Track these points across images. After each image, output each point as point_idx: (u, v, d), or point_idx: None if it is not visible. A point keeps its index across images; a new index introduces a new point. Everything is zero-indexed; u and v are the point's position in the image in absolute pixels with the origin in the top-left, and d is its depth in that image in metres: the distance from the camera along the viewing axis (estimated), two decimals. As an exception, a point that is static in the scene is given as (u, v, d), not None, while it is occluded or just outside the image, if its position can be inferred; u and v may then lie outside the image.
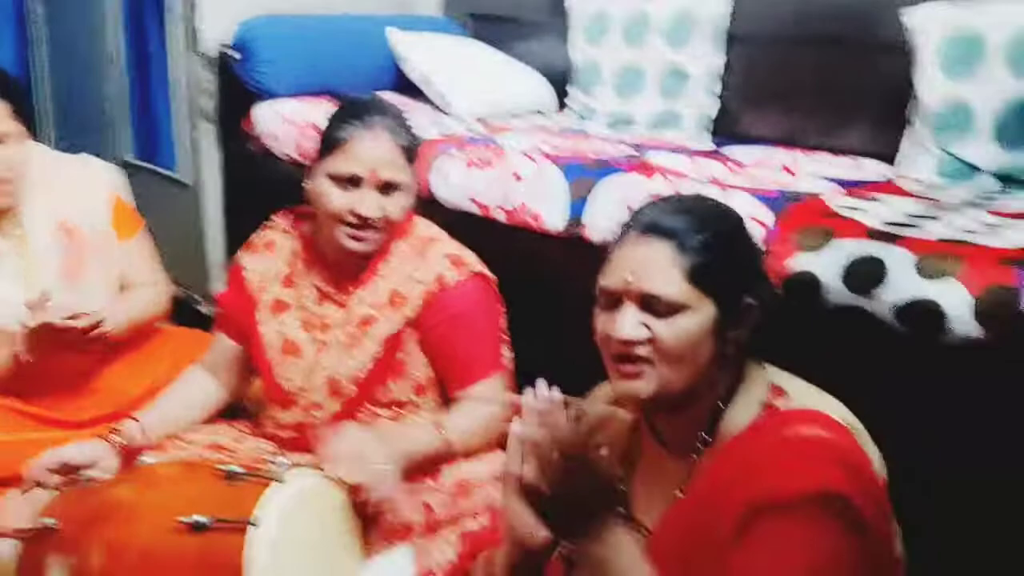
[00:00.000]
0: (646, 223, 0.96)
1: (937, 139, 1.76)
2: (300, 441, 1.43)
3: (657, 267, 0.93)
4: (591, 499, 0.86)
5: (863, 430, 0.94)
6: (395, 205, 1.38)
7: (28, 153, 1.56)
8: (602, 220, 1.63)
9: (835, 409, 0.94)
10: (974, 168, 1.71)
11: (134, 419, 1.41)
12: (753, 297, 0.95)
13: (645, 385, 0.94)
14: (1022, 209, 1.50)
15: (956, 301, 1.21)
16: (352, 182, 1.36)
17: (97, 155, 1.77)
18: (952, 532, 1.19)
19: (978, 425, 1.20)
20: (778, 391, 0.96)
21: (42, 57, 3.25)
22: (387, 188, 1.37)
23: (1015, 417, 1.17)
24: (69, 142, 2.93)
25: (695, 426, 0.98)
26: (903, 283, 1.26)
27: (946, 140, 1.74)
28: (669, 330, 0.92)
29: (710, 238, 0.94)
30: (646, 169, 1.72)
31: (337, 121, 1.39)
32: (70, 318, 1.44)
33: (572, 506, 0.86)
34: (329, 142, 1.38)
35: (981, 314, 1.19)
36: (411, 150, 1.40)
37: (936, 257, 1.26)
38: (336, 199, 1.36)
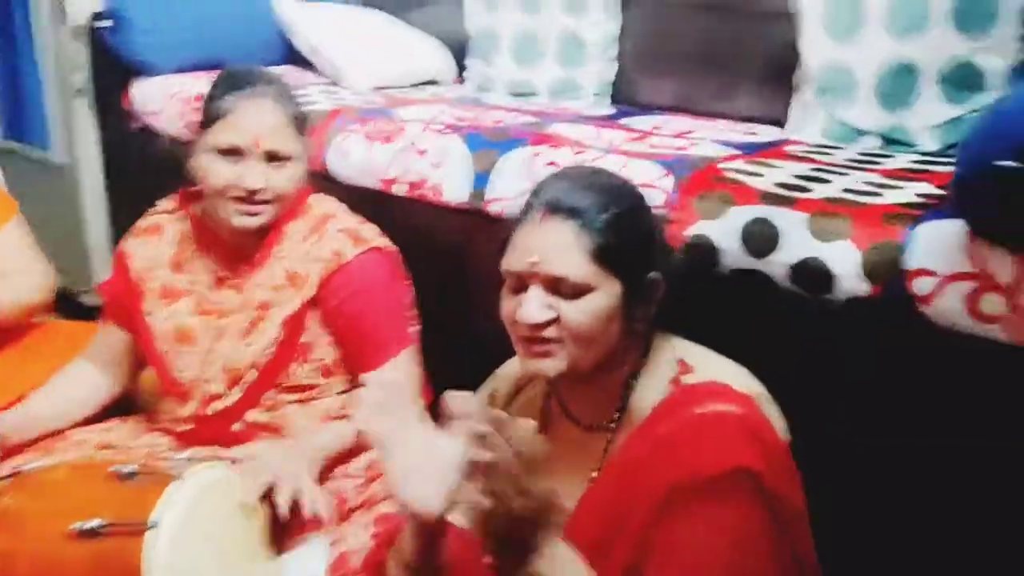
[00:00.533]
0: (548, 202, 0.95)
1: (822, 102, 1.82)
2: (199, 434, 1.37)
3: (562, 249, 0.92)
4: (531, 516, 0.81)
5: (767, 394, 0.97)
6: (283, 177, 1.33)
7: None
8: (507, 193, 1.62)
9: (739, 377, 0.96)
10: (858, 130, 1.78)
11: None
12: (658, 271, 0.96)
13: (554, 364, 0.94)
14: (903, 168, 1.57)
15: (844, 259, 1.26)
16: (236, 154, 1.30)
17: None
18: (852, 487, 1.24)
19: (870, 379, 1.26)
20: (685, 366, 0.98)
21: None
22: (274, 159, 1.32)
23: (902, 370, 1.23)
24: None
25: (605, 402, 0.99)
26: (795, 244, 1.30)
27: (831, 103, 1.80)
28: (576, 311, 0.92)
29: (614, 217, 0.94)
30: (550, 140, 1.72)
31: (217, 91, 1.32)
32: None
33: (513, 524, 0.80)
34: (210, 114, 1.32)
35: (868, 271, 1.24)
36: (299, 119, 1.35)
37: (825, 217, 1.30)
38: (220, 173, 1.30)
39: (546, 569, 0.82)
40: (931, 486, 1.21)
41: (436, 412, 0.78)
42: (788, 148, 1.74)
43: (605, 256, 0.92)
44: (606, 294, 0.93)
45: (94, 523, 1.00)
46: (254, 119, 1.30)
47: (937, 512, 1.21)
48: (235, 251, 1.38)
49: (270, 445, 1.25)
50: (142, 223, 1.46)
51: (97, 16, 2.29)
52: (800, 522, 0.94)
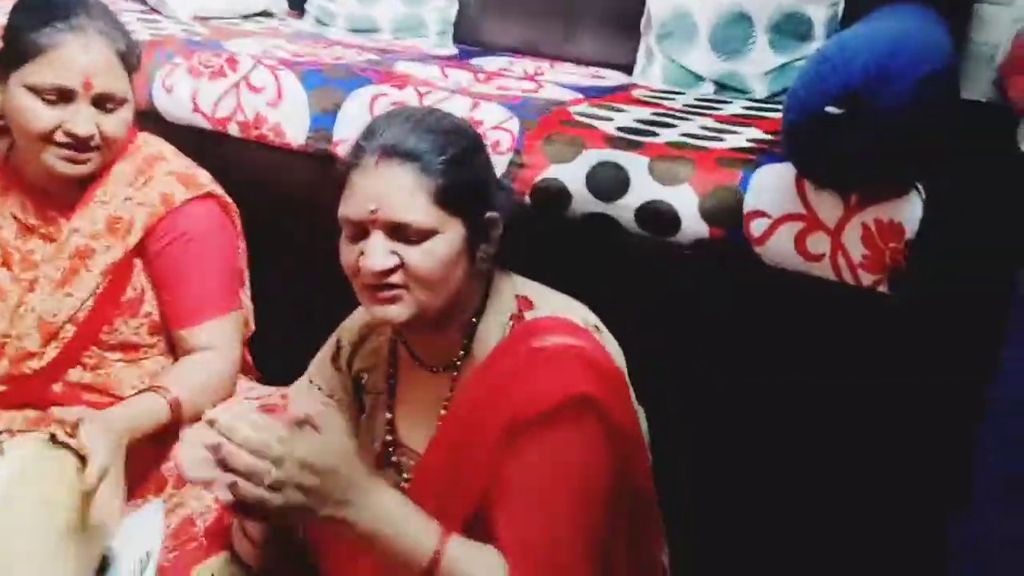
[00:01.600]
0: (383, 145, 0.91)
1: (664, 48, 1.86)
2: (14, 396, 1.24)
3: (402, 193, 0.90)
4: (328, 485, 0.80)
5: (605, 330, 1.00)
6: (115, 121, 1.21)
7: None
8: (352, 135, 1.54)
9: (578, 312, 0.98)
10: (697, 76, 1.84)
11: None
12: (496, 209, 0.96)
13: (401, 310, 0.92)
14: (737, 113, 1.64)
15: (686, 203, 1.31)
16: (62, 96, 1.16)
17: None
18: (695, 419, 1.32)
19: (713, 319, 1.33)
20: (525, 302, 0.98)
21: None
22: (104, 101, 1.19)
23: (742, 309, 1.31)
24: None
25: (451, 343, 0.99)
26: (640, 188, 1.34)
27: (671, 49, 1.85)
28: (421, 256, 0.90)
29: (452, 158, 0.92)
30: (396, 79, 1.65)
31: (33, 21, 1.16)
32: None
33: (308, 504, 0.80)
34: (22, 47, 1.16)
35: (708, 214, 1.29)
36: (130, 57, 1.23)
37: (668, 161, 1.34)
38: (41, 116, 1.16)
39: (367, 526, 0.81)
40: (767, 419, 1.31)
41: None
42: (633, 92, 1.78)
43: (446, 198, 0.91)
44: (449, 237, 0.92)
45: None
46: (82, 58, 1.16)
47: (771, 439, 1.31)
48: (46, 196, 1.24)
49: (89, 415, 1.13)
50: None
51: None
52: (638, 451, 0.98)
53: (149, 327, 1.28)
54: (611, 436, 0.90)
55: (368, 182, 0.91)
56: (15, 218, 1.25)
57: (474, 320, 0.98)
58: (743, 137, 1.45)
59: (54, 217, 1.24)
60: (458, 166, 0.92)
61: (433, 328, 0.97)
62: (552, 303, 0.99)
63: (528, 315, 0.97)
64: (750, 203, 1.27)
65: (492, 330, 0.97)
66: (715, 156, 1.34)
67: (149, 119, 1.64)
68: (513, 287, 1.00)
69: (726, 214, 1.28)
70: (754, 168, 1.29)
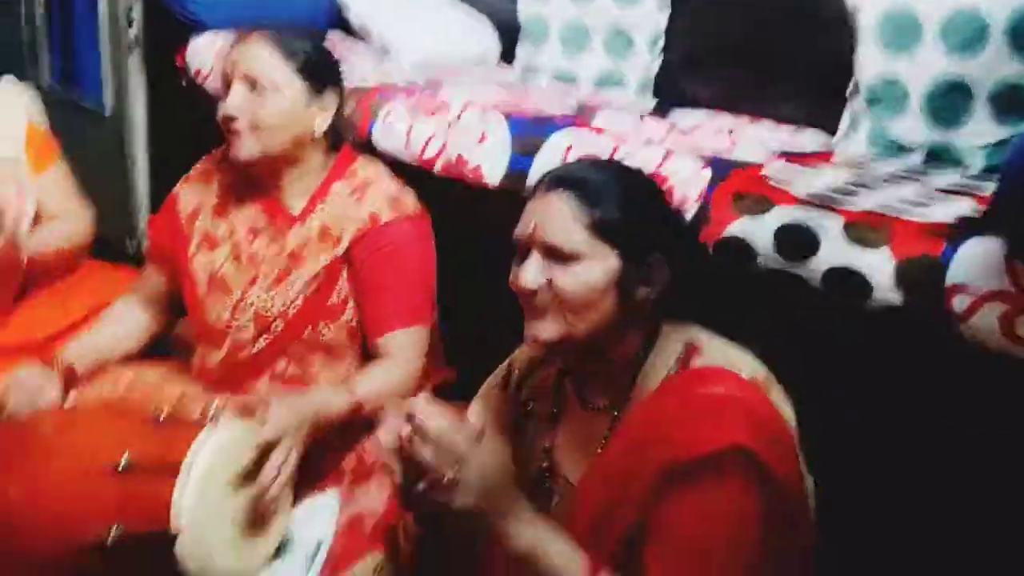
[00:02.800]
0: (553, 176, 1.00)
1: (872, 114, 1.80)
2: (228, 382, 1.40)
3: (559, 217, 0.96)
4: (494, 497, 0.87)
5: (777, 385, 0.98)
6: (264, 105, 1.32)
7: None
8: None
9: (748, 364, 0.97)
10: (905, 144, 1.76)
11: (54, 352, 1.36)
12: (663, 254, 0.97)
13: (548, 328, 0.97)
14: (948, 185, 1.56)
15: (881, 269, 1.26)
16: (225, 85, 1.34)
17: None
18: (869, 490, 1.25)
19: (899, 389, 1.26)
20: (694, 349, 0.99)
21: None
22: (254, 86, 1.32)
23: (931, 382, 1.23)
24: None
25: (613, 383, 1.01)
26: (831, 250, 1.30)
27: (880, 115, 1.79)
28: (569, 278, 0.95)
29: (613, 191, 0.97)
30: (592, 128, 1.72)
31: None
32: None
33: (474, 510, 0.86)
34: None
35: (903, 282, 1.24)
36: (296, 55, 1.34)
37: (864, 226, 1.30)
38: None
39: (524, 541, 0.86)
40: (952, 505, 1.21)
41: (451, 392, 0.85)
42: (833, 155, 1.73)
43: (601, 228, 0.95)
44: (600, 266, 0.95)
45: (128, 460, 1.03)
46: (238, 50, 1.34)
47: (953, 519, 1.21)
48: (277, 205, 1.40)
49: (277, 397, 1.26)
50: (196, 169, 1.49)
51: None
52: (801, 510, 0.94)
53: (348, 332, 1.41)
54: (769, 492, 0.88)
55: (534, 206, 0.99)
56: (248, 222, 1.42)
57: (638, 362, 0.99)
58: (951, 209, 1.38)
59: (280, 225, 1.40)
60: (618, 200, 0.96)
61: (595, 364, 1.01)
62: (722, 352, 0.99)
63: (696, 361, 0.97)
64: (953, 277, 1.20)
65: (657, 373, 0.98)
66: (917, 225, 1.29)
67: (369, 152, 1.81)
68: (685, 333, 1.01)
69: (925, 286, 1.22)
70: (960, 241, 1.22)
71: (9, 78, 1.64)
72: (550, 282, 0.96)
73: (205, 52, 2.24)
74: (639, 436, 0.93)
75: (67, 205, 1.64)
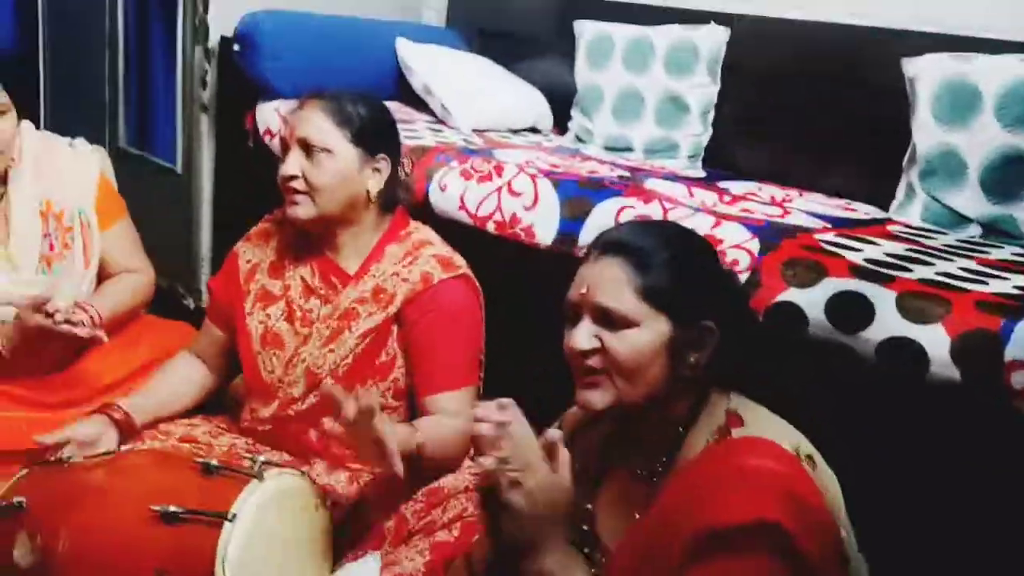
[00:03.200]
0: (606, 240, 1.01)
1: (927, 186, 1.79)
2: (277, 437, 1.42)
3: (610, 282, 0.97)
4: (543, 513, 0.89)
5: (821, 462, 0.95)
6: (318, 169, 1.37)
7: (17, 130, 1.54)
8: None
9: (790, 438, 0.95)
10: (962, 216, 1.74)
11: (116, 404, 1.40)
12: (714, 321, 0.97)
13: (600, 396, 0.97)
14: (1005, 259, 1.53)
15: (936, 342, 1.23)
16: (284, 149, 1.39)
17: (91, 140, 1.76)
18: (922, 568, 1.20)
19: (953, 465, 1.22)
20: (736, 419, 0.97)
21: (42, 36, 3.23)
22: (309, 150, 1.37)
23: (987, 458, 1.19)
24: (63, 125, 2.92)
25: (656, 450, 1.00)
26: (885, 322, 1.28)
27: (936, 187, 1.77)
28: (620, 343, 0.95)
29: (666, 257, 0.97)
30: (643, 193, 1.74)
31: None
32: (66, 321, 1.42)
33: (524, 517, 0.89)
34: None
35: (959, 356, 1.21)
36: (351, 121, 1.39)
37: (919, 298, 1.28)
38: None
39: (551, 569, 0.88)
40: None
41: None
42: (888, 227, 1.72)
43: (652, 293, 0.95)
44: (651, 331, 0.95)
45: (176, 508, 1.05)
46: (301, 119, 1.41)
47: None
48: (332, 266, 1.44)
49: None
50: (255, 229, 1.54)
51: (230, 39, 2.45)
52: None
53: (395, 391, 1.42)
54: (797, 571, 0.84)
55: (586, 271, 1.00)
56: (303, 280, 1.46)
57: (681, 430, 0.99)
58: (1010, 284, 1.35)
59: (334, 284, 1.44)
60: (670, 266, 0.97)
61: (641, 429, 1.00)
62: (764, 425, 0.97)
63: (736, 432, 0.96)
64: (1012, 353, 1.17)
65: (698, 442, 0.97)
66: (975, 299, 1.26)
67: (422, 212, 1.86)
68: (728, 402, 1.00)
69: (982, 361, 1.19)
70: (1019, 316, 1.19)
71: (81, 140, 1.73)
72: (601, 346, 0.96)
73: (272, 115, 2.35)
74: (673, 505, 0.92)
75: (131, 261, 1.70)
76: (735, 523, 0.85)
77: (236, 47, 2.39)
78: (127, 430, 1.37)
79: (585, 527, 1.06)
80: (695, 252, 1.01)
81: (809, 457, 0.94)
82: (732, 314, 1.00)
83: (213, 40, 2.51)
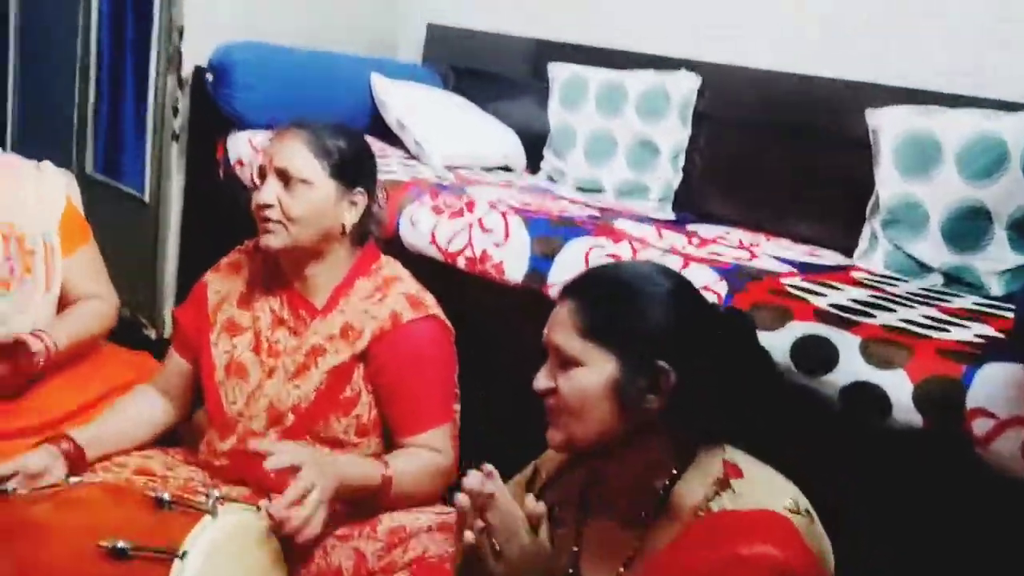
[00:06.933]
0: (566, 283, 1.03)
1: (890, 234, 1.82)
2: (234, 470, 1.38)
3: (560, 322, 0.99)
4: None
5: (815, 517, 0.94)
6: (295, 199, 1.36)
7: None
8: (566, 278, 1.64)
9: (787, 493, 0.94)
10: (924, 265, 1.77)
11: (66, 435, 1.36)
12: (671, 361, 0.94)
13: (553, 434, 0.99)
14: (966, 307, 1.56)
15: (899, 388, 1.24)
16: (261, 176, 1.39)
17: (58, 165, 1.73)
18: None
19: (916, 510, 1.22)
20: (734, 469, 0.96)
21: (12, 58, 3.20)
22: (287, 180, 1.36)
23: (949, 504, 1.20)
24: (30, 149, 2.87)
25: (638, 496, 0.99)
26: (849, 366, 1.29)
27: (899, 236, 1.81)
28: (566, 383, 0.97)
29: (613, 297, 0.98)
30: (613, 234, 1.75)
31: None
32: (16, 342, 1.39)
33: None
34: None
35: (921, 402, 1.22)
36: (330, 153, 1.38)
37: (882, 344, 1.29)
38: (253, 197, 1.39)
39: None
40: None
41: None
42: (852, 273, 1.74)
43: (595, 332, 0.95)
44: (596, 371, 0.95)
45: (123, 544, 1.01)
46: (279, 146, 1.39)
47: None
48: (300, 298, 1.42)
49: (311, 451, 1.26)
50: (225, 260, 1.52)
51: (202, 69, 2.45)
52: None
53: (357, 428, 1.40)
54: None
55: (553, 312, 1.01)
56: (272, 311, 1.44)
57: (668, 482, 0.97)
58: (971, 332, 1.37)
59: (303, 316, 1.42)
60: (618, 305, 0.97)
61: (621, 475, 0.99)
62: (761, 480, 0.96)
63: (735, 483, 0.94)
64: (974, 400, 1.18)
65: (692, 491, 0.96)
66: (937, 346, 1.28)
67: (393, 247, 1.85)
68: (722, 451, 0.98)
69: (944, 407, 1.20)
70: (981, 363, 1.21)
71: (47, 163, 1.71)
72: (553, 386, 0.97)
73: (243, 145, 2.34)
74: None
75: (93, 288, 1.66)
76: None
77: (209, 77, 2.39)
78: (77, 463, 1.33)
79: (571, 570, 1.04)
80: (653, 291, 0.98)
81: (808, 511, 0.93)
82: (702, 357, 0.97)
83: (186, 69, 2.50)
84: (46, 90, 3.09)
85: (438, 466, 1.36)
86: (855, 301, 1.49)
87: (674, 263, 1.58)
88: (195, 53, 2.49)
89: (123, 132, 2.89)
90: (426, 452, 1.36)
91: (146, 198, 2.64)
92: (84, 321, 1.62)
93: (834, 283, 1.61)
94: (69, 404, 1.55)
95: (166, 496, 1.11)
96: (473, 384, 1.46)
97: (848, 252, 1.92)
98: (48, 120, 3.08)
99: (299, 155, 1.36)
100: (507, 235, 1.77)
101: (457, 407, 1.44)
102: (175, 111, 2.54)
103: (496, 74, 2.76)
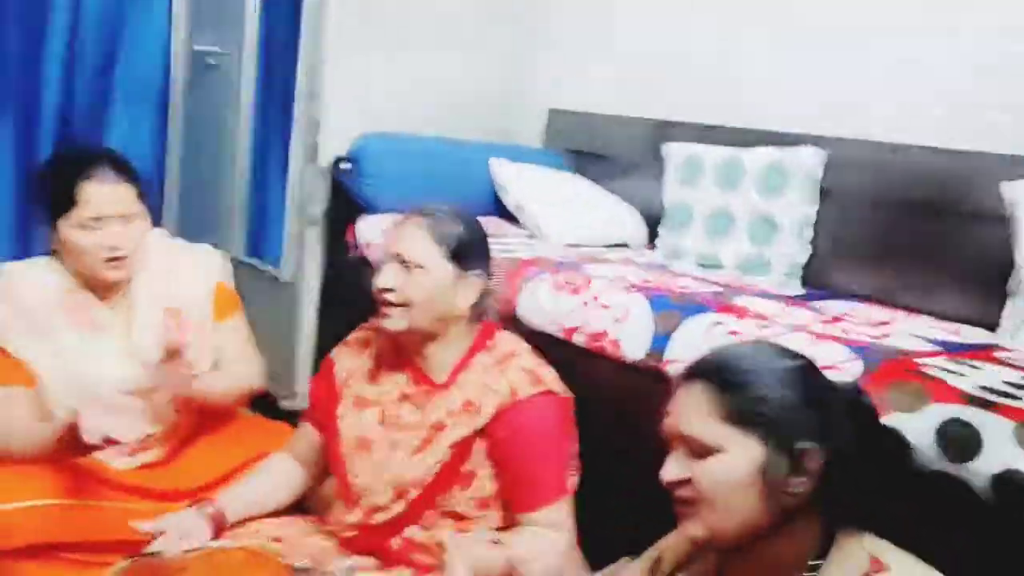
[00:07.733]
0: (690, 367, 0.98)
1: (1038, 309, 1.71)
2: (361, 542, 1.42)
3: (693, 409, 0.94)
4: None
5: None
6: (413, 283, 1.40)
7: (147, 234, 1.68)
8: (686, 356, 1.62)
9: None
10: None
11: (210, 498, 1.44)
12: (816, 442, 0.91)
13: (694, 526, 0.93)
14: None
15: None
16: (383, 260, 1.46)
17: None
18: None
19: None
20: (879, 565, 0.90)
21: (176, 151, 3.52)
22: (406, 264, 1.41)
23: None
24: (188, 233, 3.14)
25: None
26: (998, 453, 1.21)
27: (1048, 312, 1.69)
28: (705, 472, 0.92)
29: (752, 375, 0.93)
30: (735, 310, 1.73)
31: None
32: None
33: None
34: None
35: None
36: (446, 238, 1.43)
37: (1037, 429, 1.20)
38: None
39: None
40: None
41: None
42: (996, 353, 1.64)
43: (738, 417, 0.91)
44: (739, 457, 0.91)
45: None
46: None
47: None
48: (424, 376, 1.47)
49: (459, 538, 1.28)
50: (353, 336, 1.60)
51: (340, 160, 2.64)
52: None
53: (477, 502, 1.41)
54: None
55: (674, 399, 0.97)
56: (399, 387, 1.49)
57: (812, 568, 0.92)
58: None
59: (428, 392, 1.46)
60: (759, 386, 0.92)
61: (750, 561, 0.94)
62: (912, 574, 0.90)
63: None
64: None
65: None
66: (1099, 431, 1.18)
67: (512, 324, 1.90)
68: (862, 543, 0.93)
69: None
70: None
71: (205, 246, 1.87)
72: (688, 476, 0.93)
73: (372, 229, 2.48)
74: None
75: (241, 353, 1.79)
76: None
77: (345, 166, 2.58)
78: (219, 525, 1.41)
79: None
80: (789, 369, 0.95)
81: None
82: (840, 437, 0.93)
83: (324, 159, 2.70)
84: (203, 179, 3.39)
85: (559, 544, 1.35)
86: (1004, 382, 1.40)
87: (803, 340, 1.53)
88: (333, 144, 2.69)
89: (267, 218, 3.13)
90: (550, 532, 1.36)
91: (285, 277, 2.82)
92: (234, 378, 1.73)
93: (977, 363, 1.52)
94: (214, 469, 1.65)
95: (303, 563, 1.15)
96: (594, 462, 1.45)
97: (989, 329, 1.81)
98: (203, 206, 3.37)
99: (417, 241, 1.43)
100: (626, 312, 1.78)
101: (574, 479, 1.43)
102: (316, 200, 2.73)
103: (614, 155, 2.81)
